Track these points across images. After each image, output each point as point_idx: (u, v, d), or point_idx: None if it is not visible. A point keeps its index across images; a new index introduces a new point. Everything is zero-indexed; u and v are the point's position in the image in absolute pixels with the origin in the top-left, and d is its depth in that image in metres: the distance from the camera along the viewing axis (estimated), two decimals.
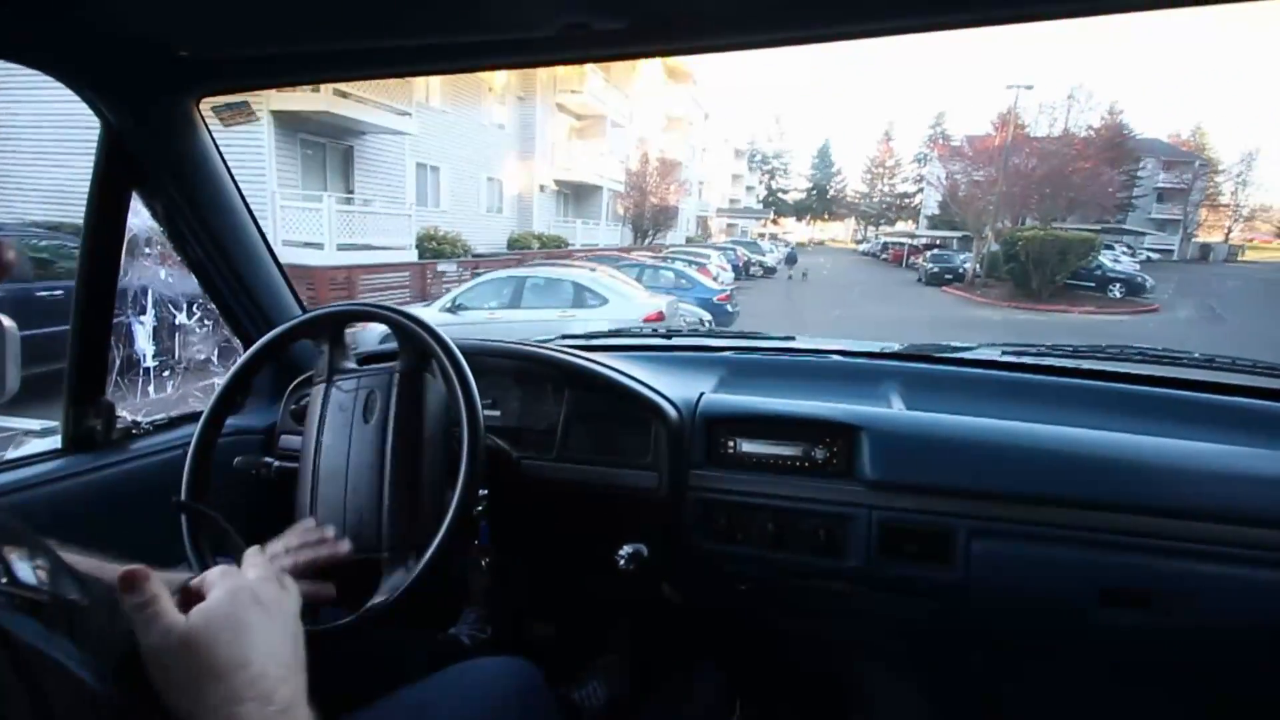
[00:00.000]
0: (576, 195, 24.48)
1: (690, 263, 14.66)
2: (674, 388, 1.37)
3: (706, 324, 8.41)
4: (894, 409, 1.34)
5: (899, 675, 1.61)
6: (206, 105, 1.27)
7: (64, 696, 0.43)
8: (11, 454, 1.20)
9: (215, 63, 1.13)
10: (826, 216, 79.70)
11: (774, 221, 74.60)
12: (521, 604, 1.64)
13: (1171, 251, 37.44)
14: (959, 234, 34.78)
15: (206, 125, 1.28)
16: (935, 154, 39.89)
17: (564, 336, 1.76)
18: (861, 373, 1.56)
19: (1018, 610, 1.22)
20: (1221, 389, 1.37)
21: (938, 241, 36.37)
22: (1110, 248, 23.53)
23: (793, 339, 1.75)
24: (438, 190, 16.55)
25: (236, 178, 1.35)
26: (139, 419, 1.32)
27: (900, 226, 53.90)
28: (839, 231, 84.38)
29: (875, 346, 1.67)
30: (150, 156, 1.21)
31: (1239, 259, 40.20)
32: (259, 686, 0.51)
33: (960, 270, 24.74)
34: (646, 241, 26.38)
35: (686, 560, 1.34)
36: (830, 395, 1.38)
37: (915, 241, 39.52)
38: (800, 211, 79.43)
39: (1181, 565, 1.10)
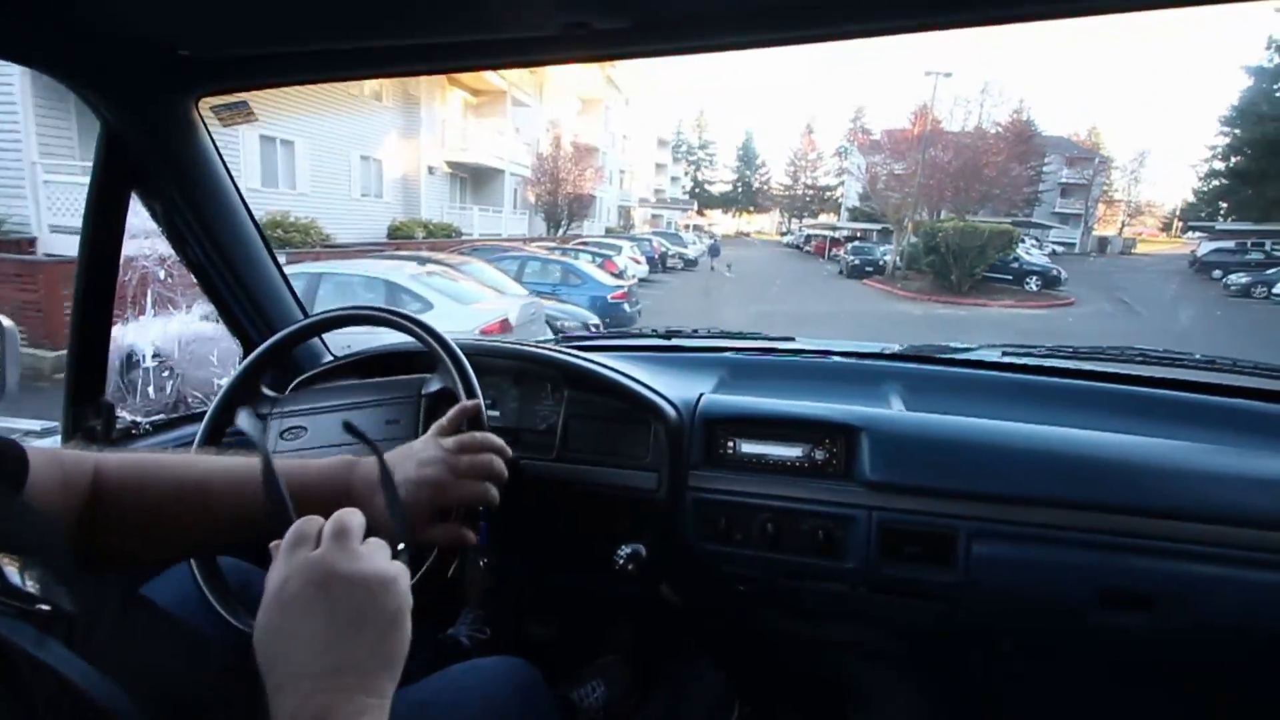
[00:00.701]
0: (475, 179, 23.12)
1: (596, 256, 14.31)
2: (673, 388, 1.43)
3: (592, 328, 7.74)
4: (894, 410, 1.40)
5: (898, 677, 1.67)
6: (205, 105, 1.31)
7: (55, 704, 0.44)
8: None
9: (214, 62, 1.17)
10: (752, 209, 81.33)
11: (700, 213, 75.26)
12: (520, 604, 1.69)
13: (1074, 244, 39.84)
14: (879, 226, 35.33)
15: (206, 125, 1.32)
16: (855, 146, 41.44)
17: (564, 337, 1.83)
18: (861, 373, 1.63)
19: (1017, 612, 1.27)
20: (1222, 390, 1.44)
21: (859, 234, 37.91)
22: (1021, 240, 24.57)
23: (792, 339, 1.83)
24: (292, 169, 14.63)
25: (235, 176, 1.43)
26: (139, 419, 1.37)
27: (823, 219, 55.49)
28: (765, 224, 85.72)
29: (875, 347, 1.74)
30: (149, 156, 1.25)
31: (1133, 251, 43.09)
32: (278, 700, 0.50)
33: (881, 263, 25.48)
34: (561, 232, 25.77)
35: (685, 561, 1.40)
36: (830, 396, 1.45)
37: (837, 234, 40.52)
38: (726, 203, 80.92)
39: (1181, 567, 1.14)
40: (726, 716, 1.71)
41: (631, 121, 44.90)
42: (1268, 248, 25.49)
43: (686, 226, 55.50)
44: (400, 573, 0.57)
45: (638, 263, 18.19)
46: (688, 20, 0.96)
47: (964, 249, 18.74)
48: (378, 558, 0.57)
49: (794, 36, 0.97)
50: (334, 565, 0.55)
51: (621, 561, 1.35)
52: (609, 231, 32.66)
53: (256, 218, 1.47)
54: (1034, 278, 21.06)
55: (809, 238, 45.87)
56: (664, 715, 1.67)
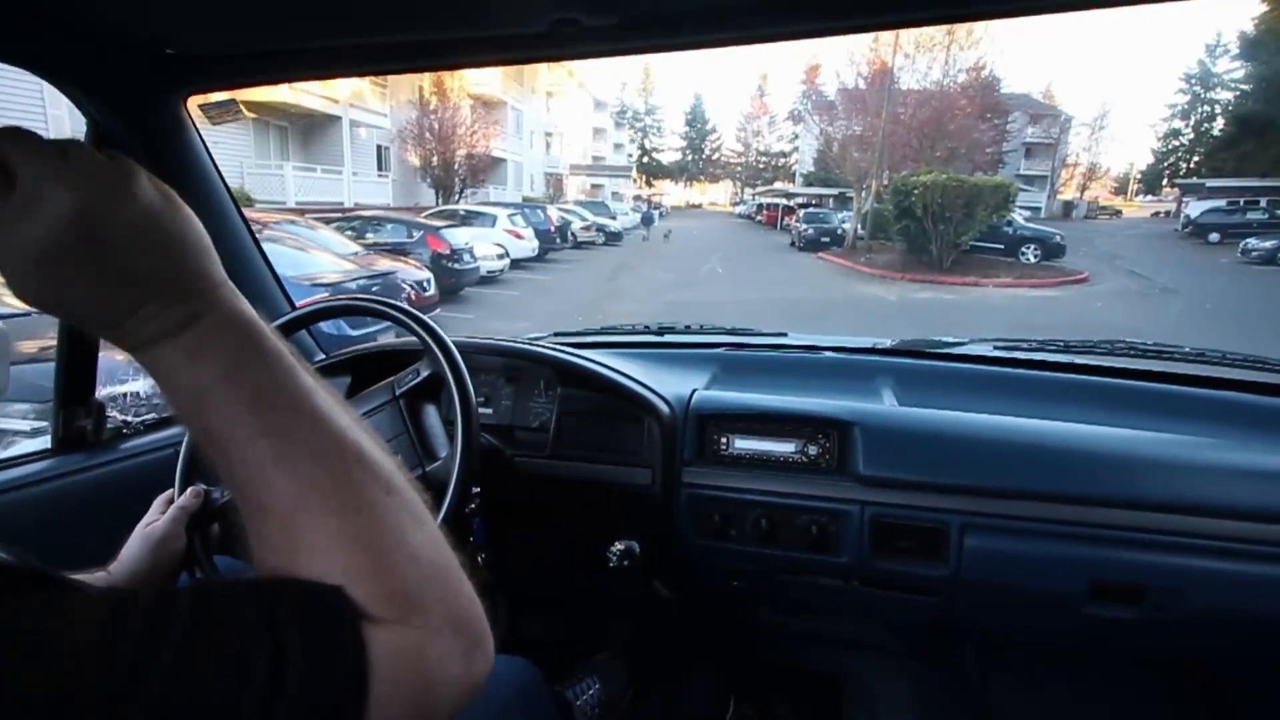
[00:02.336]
0: (306, 132, 20.11)
1: (414, 230, 11.52)
2: (667, 384, 1.55)
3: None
4: (886, 405, 1.52)
5: (892, 670, 1.82)
6: (194, 103, 1.41)
7: None
8: (1, 454, 1.33)
9: (203, 61, 1.27)
10: (704, 179, 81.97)
11: (648, 183, 75.51)
12: (515, 601, 1.80)
13: (1039, 209, 40.03)
14: (835, 191, 34.53)
15: (194, 123, 1.43)
16: (810, 106, 40.11)
17: (557, 334, 1.95)
18: (854, 368, 1.76)
19: (1009, 604, 1.38)
20: (1213, 383, 1.55)
21: (814, 201, 36.78)
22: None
23: (785, 335, 1.97)
24: None
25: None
26: (129, 419, 1.49)
27: (778, 187, 52.65)
28: (719, 195, 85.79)
29: (868, 342, 1.86)
30: (137, 155, 1.24)
31: (1099, 216, 44.10)
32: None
33: (839, 232, 24.09)
34: (453, 199, 23.08)
35: (679, 556, 1.51)
36: (823, 391, 1.57)
37: (791, 202, 38.48)
38: (676, 173, 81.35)
39: (1172, 559, 1.25)
40: (722, 711, 1.83)
41: (558, 78, 43.76)
42: (1263, 205, 24.29)
43: (637, 197, 55.45)
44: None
45: (518, 237, 16.14)
46: (676, 17, 1.04)
47: (947, 210, 16.43)
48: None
49: (780, 33, 1.06)
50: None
51: (615, 559, 1.47)
52: (526, 200, 29.04)
53: (245, 214, 1.57)
54: (1032, 246, 19.23)
55: (760, 207, 44.92)
56: (659, 711, 1.79)
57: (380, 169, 23.62)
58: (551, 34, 1.06)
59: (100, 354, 1.43)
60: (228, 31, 1.16)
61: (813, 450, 1.44)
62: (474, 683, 0.51)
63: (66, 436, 1.38)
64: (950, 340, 1.86)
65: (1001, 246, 19.05)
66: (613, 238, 26.24)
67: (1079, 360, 1.71)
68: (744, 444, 1.48)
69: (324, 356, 1.76)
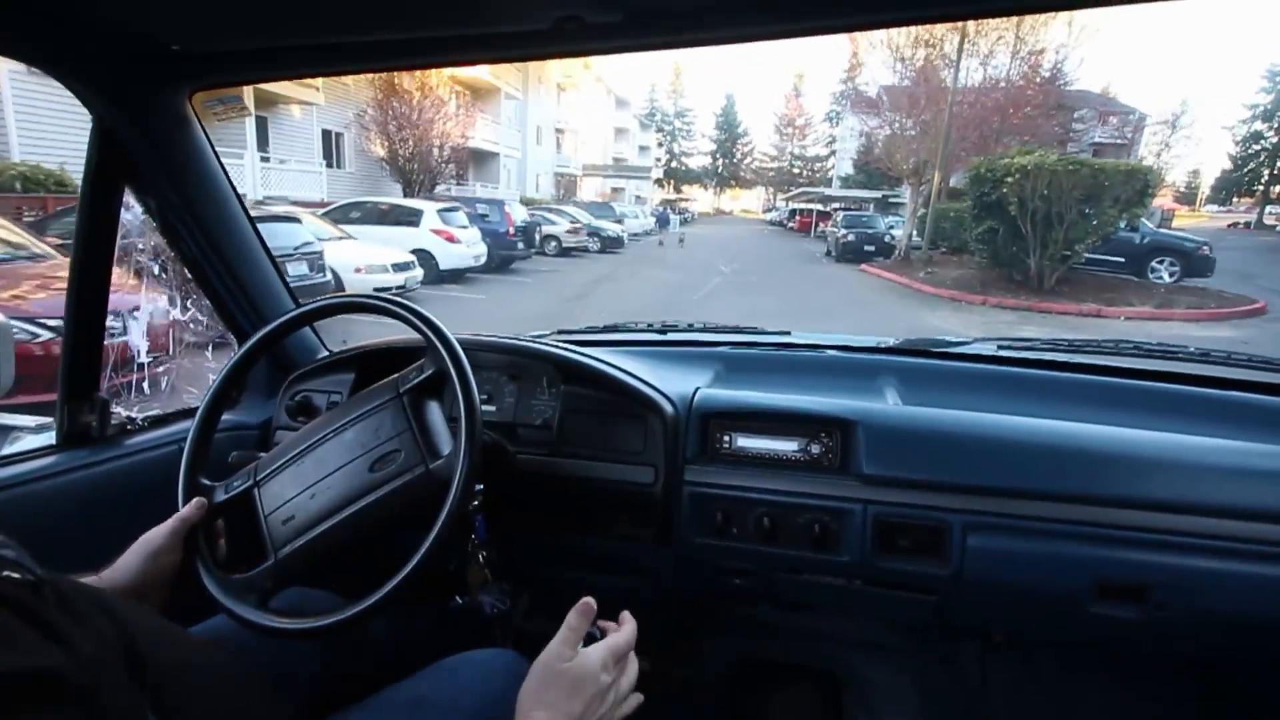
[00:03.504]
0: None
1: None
2: (669, 383, 1.63)
3: None
4: (889, 404, 1.59)
5: (894, 668, 1.89)
6: (198, 99, 1.51)
7: None
8: (6, 450, 1.43)
9: (207, 57, 1.36)
10: (734, 183, 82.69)
11: (676, 189, 75.49)
12: (517, 598, 1.87)
13: None
14: (877, 195, 33.14)
15: (199, 119, 1.51)
16: (849, 106, 40.24)
17: (560, 331, 2.05)
18: (857, 367, 1.84)
19: (1012, 604, 1.44)
20: (1218, 383, 1.62)
21: (851, 205, 34.47)
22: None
23: (788, 334, 2.05)
24: None
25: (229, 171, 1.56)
26: (133, 414, 1.57)
27: (811, 190, 51.05)
28: (752, 202, 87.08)
29: (871, 341, 1.95)
30: (142, 151, 1.44)
31: (1170, 226, 42.21)
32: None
33: (886, 239, 22.54)
34: (419, 196, 20.12)
35: (681, 555, 1.58)
36: (826, 390, 1.64)
37: (826, 206, 37.69)
38: (705, 177, 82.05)
39: (1178, 560, 1.31)
40: (723, 709, 1.91)
41: (572, 70, 42.78)
42: None
43: (666, 202, 54.74)
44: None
45: (450, 240, 14.15)
46: (680, 13, 1.10)
47: (1056, 205, 13.10)
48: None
49: (786, 29, 1.12)
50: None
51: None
52: (524, 201, 26.90)
53: (249, 209, 1.66)
54: (1166, 260, 15.90)
55: (793, 212, 45.34)
56: (660, 708, 2.01)
57: (328, 159, 21.74)
58: (555, 31, 1.14)
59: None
60: (232, 28, 1.25)
61: (815, 449, 1.53)
62: None
63: (71, 432, 1.47)
64: (954, 339, 1.94)
65: (1123, 260, 15.47)
66: (611, 244, 25.18)
67: (1083, 360, 1.78)
68: (747, 442, 1.56)
69: (328, 353, 1.85)
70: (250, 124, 17.46)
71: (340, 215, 14.13)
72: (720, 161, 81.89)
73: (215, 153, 1.59)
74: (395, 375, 1.29)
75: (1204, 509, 1.32)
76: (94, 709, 0.53)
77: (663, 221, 31.73)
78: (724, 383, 1.77)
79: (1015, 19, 22.40)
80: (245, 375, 1.40)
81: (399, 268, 11.72)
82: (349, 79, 19.53)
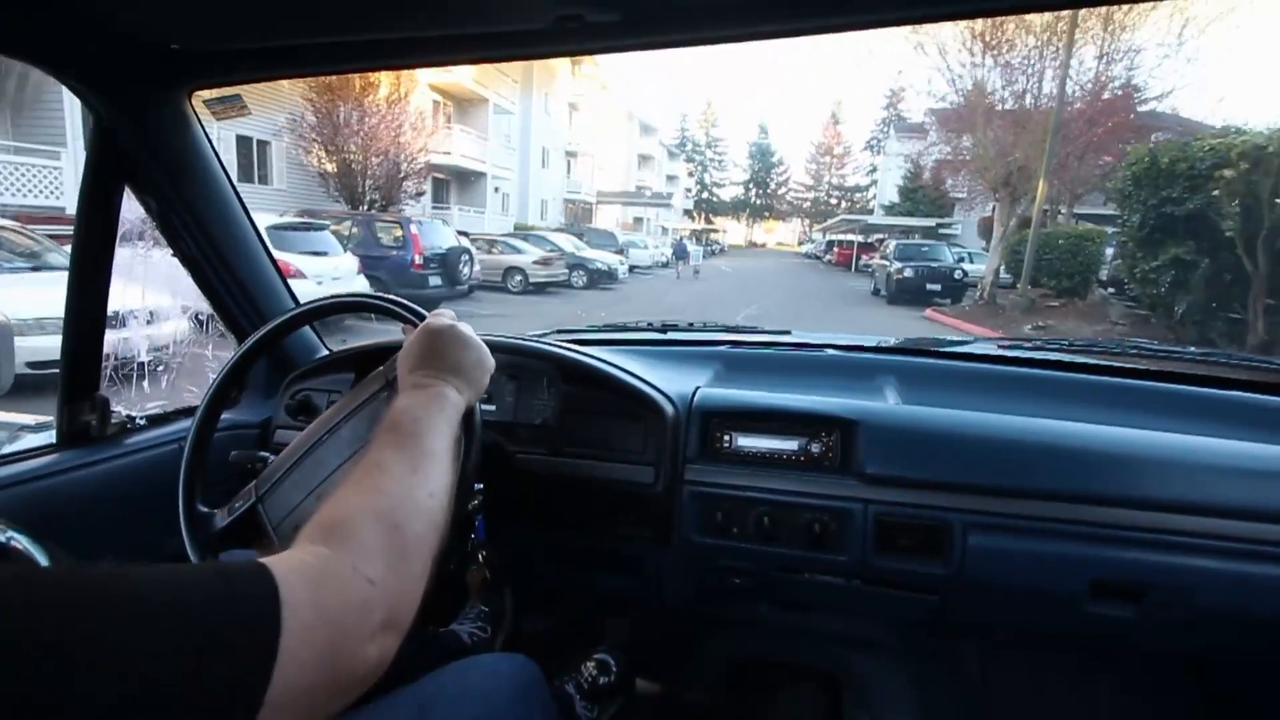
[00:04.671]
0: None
1: None
2: (669, 382, 1.64)
3: None
4: (890, 403, 1.60)
5: (894, 668, 1.90)
6: (198, 99, 1.52)
7: None
8: (6, 449, 1.44)
9: (206, 56, 1.37)
10: (768, 215, 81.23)
11: (707, 220, 73.39)
12: (517, 599, 1.88)
13: None
14: (930, 222, 29.81)
15: (198, 118, 1.52)
16: (892, 131, 38.98)
17: (559, 331, 2.06)
18: (857, 367, 1.85)
19: (1011, 603, 1.45)
20: (1217, 382, 1.63)
21: (900, 234, 31.01)
22: None
23: (788, 333, 2.07)
24: None
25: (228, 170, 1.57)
26: (133, 414, 1.58)
27: (840, 219, 48.14)
28: (787, 235, 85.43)
29: (872, 340, 1.96)
30: (142, 150, 1.45)
31: None
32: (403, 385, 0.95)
33: (956, 274, 18.85)
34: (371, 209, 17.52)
35: (681, 554, 1.59)
36: (826, 389, 1.65)
37: (869, 238, 34.72)
38: (738, 209, 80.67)
39: (1176, 559, 1.31)
40: (723, 708, 1.92)
41: (585, 88, 41.40)
42: None
43: (695, 234, 52.44)
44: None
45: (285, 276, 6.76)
46: (680, 12, 1.11)
47: None
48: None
49: (787, 29, 1.13)
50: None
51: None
52: (519, 229, 26.42)
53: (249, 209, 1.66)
54: None
55: (830, 244, 42.59)
56: (661, 709, 1.89)
57: (247, 172, 18.68)
58: (555, 30, 1.15)
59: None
60: (232, 27, 1.26)
61: (816, 448, 1.54)
62: (371, 661, 0.62)
63: (71, 431, 1.48)
64: (954, 339, 1.96)
65: None
66: (600, 278, 21.01)
67: (1083, 359, 1.79)
68: (747, 441, 1.57)
69: (328, 353, 1.87)
70: (69, 117, 12.98)
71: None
72: (753, 192, 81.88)
73: (215, 152, 1.61)
74: (382, 366, 1.29)
75: (1203, 509, 1.33)
76: None
77: (680, 253, 29.64)
78: (724, 382, 1.78)
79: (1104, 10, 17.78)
80: (245, 374, 1.40)
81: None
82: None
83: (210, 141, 1.59)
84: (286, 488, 1.23)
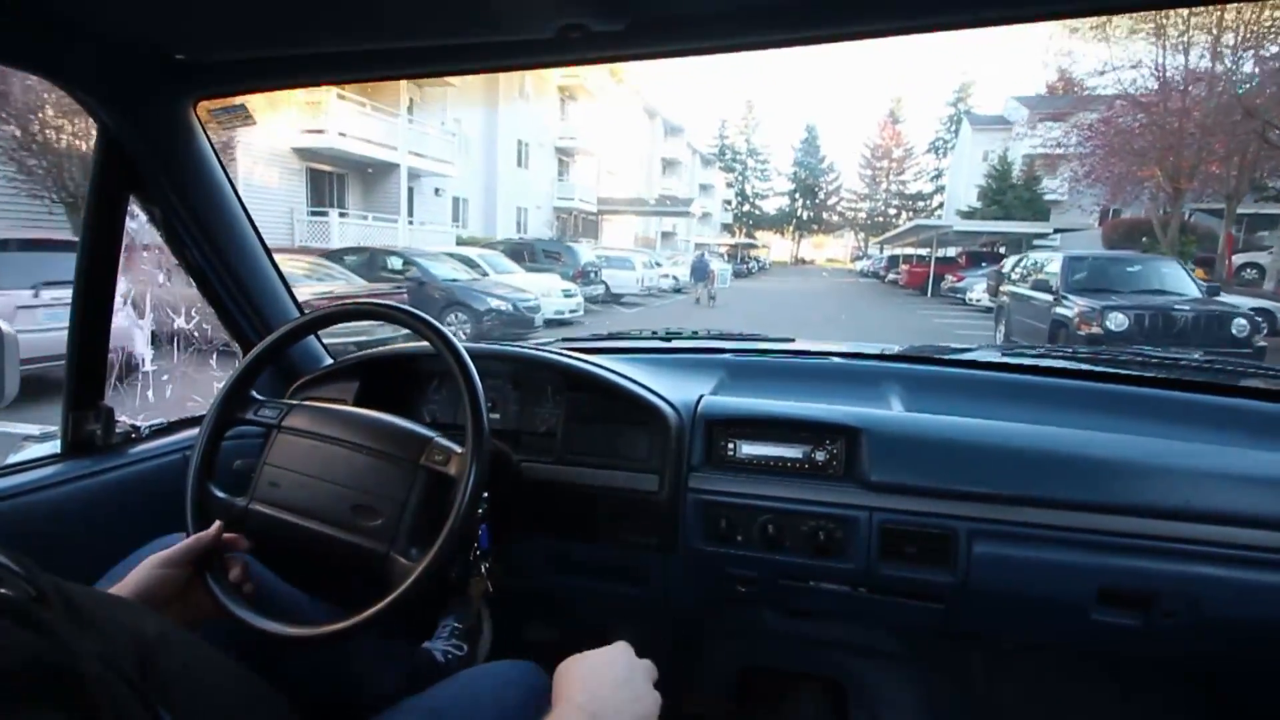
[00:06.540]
0: None
1: None
2: (673, 390, 1.64)
3: None
4: (894, 411, 1.60)
5: (899, 676, 1.91)
6: (204, 109, 1.53)
7: None
8: (11, 459, 1.44)
9: (212, 66, 1.37)
10: (816, 228, 75.94)
11: (748, 234, 66.28)
12: (521, 607, 1.90)
13: None
14: (1029, 229, 25.55)
15: (204, 128, 1.53)
16: (968, 121, 34.97)
17: (563, 339, 2.06)
18: (861, 374, 1.85)
19: (1017, 611, 1.46)
20: (1222, 390, 1.64)
21: (985, 244, 27.33)
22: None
23: (792, 340, 2.07)
24: None
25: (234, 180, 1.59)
26: (138, 423, 1.58)
27: (912, 225, 35.89)
28: (838, 250, 78.86)
29: (875, 348, 1.96)
30: (147, 160, 1.46)
31: None
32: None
33: (1238, 328, 8.64)
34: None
35: (686, 562, 1.60)
36: (830, 397, 1.65)
37: (949, 250, 28.37)
38: (782, 221, 75.33)
39: (1181, 567, 1.31)
40: (729, 715, 1.93)
41: (584, 70, 32.67)
42: None
43: (732, 249, 48.04)
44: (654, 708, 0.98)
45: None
46: (685, 21, 1.12)
47: None
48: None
49: (794, 38, 1.13)
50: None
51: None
52: (461, 242, 21.51)
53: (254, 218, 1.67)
54: None
55: (894, 260, 34.35)
56: (666, 716, 2.03)
57: None
58: (559, 40, 1.16)
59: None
60: (238, 37, 1.27)
61: (820, 456, 1.54)
62: None
63: (75, 441, 1.49)
64: (959, 346, 1.98)
65: None
66: (495, 323, 12.54)
67: (1088, 367, 1.80)
68: (751, 449, 1.58)
69: (332, 362, 1.87)
70: None
71: None
72: (800, 202, 73.93)
73: (220, 161, 1.61)
74: (428, 440, 1.27)
75: (1210, 516, 1.33)
76: (95, 710, 0.53)
77: (699, 273, 22.90)
78: (728, 390, 1.78)
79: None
80: (252, 383, 1.40)
81: None
82: None
83: (215, 151, 1.60)
84: (302, 445, 1.27)
